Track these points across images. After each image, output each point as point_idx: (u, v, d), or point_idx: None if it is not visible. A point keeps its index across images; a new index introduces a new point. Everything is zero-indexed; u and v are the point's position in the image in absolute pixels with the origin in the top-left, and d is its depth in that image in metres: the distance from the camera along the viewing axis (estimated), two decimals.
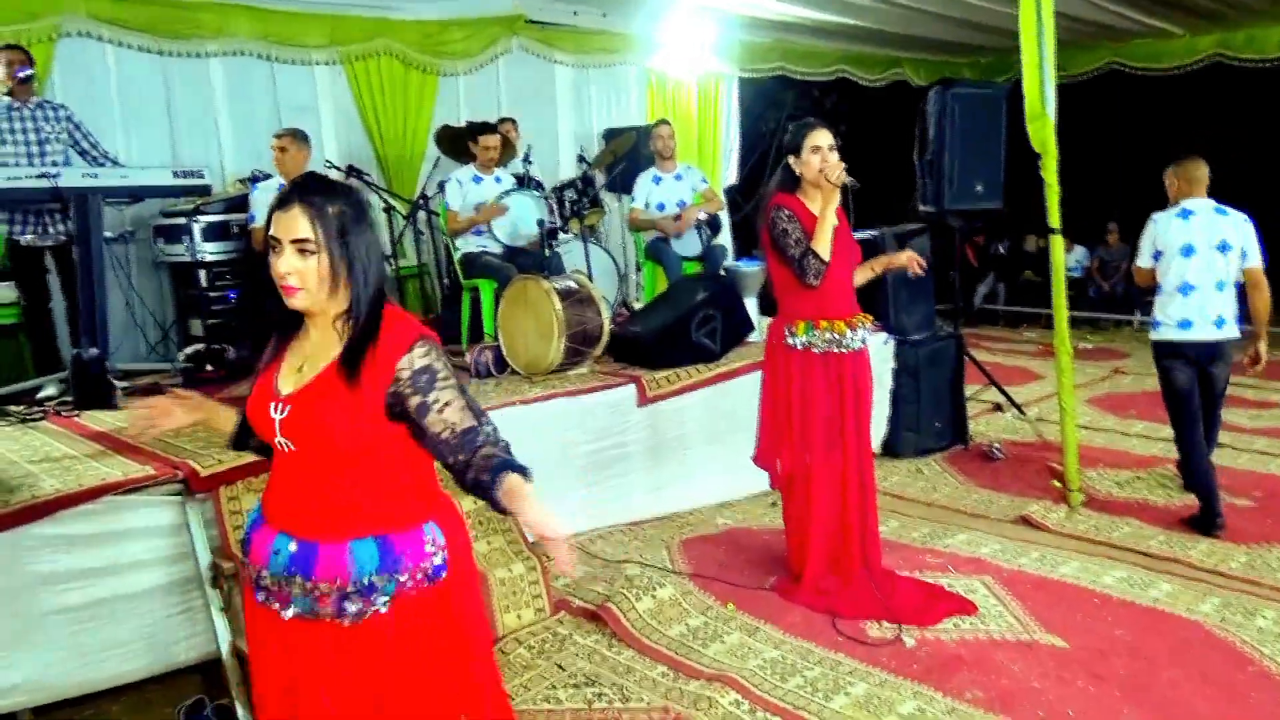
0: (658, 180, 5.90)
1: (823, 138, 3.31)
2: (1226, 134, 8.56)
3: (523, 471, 1.62)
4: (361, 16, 6.37)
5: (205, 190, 4.86)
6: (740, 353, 4.75)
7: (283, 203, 1.65)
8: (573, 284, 4.58)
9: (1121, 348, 8.55)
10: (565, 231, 5.91)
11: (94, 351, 4.29)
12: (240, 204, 5.29)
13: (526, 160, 6.25)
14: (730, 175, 8.86)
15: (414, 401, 1.66)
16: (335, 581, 1.65)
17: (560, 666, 3.13)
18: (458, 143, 5.76)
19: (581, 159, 6.92)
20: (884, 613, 3.35)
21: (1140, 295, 9.42)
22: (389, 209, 5.69)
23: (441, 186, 5.62)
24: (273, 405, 1.68)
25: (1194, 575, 3.65)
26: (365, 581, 1.65)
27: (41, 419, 4.06)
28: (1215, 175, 4.15)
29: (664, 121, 6.12)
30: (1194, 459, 4.15)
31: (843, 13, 7.45)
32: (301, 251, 1.63)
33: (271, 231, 1.65)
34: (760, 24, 7.83)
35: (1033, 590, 3.55)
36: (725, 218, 7.64)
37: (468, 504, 3.59)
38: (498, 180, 5.54)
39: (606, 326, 4.59)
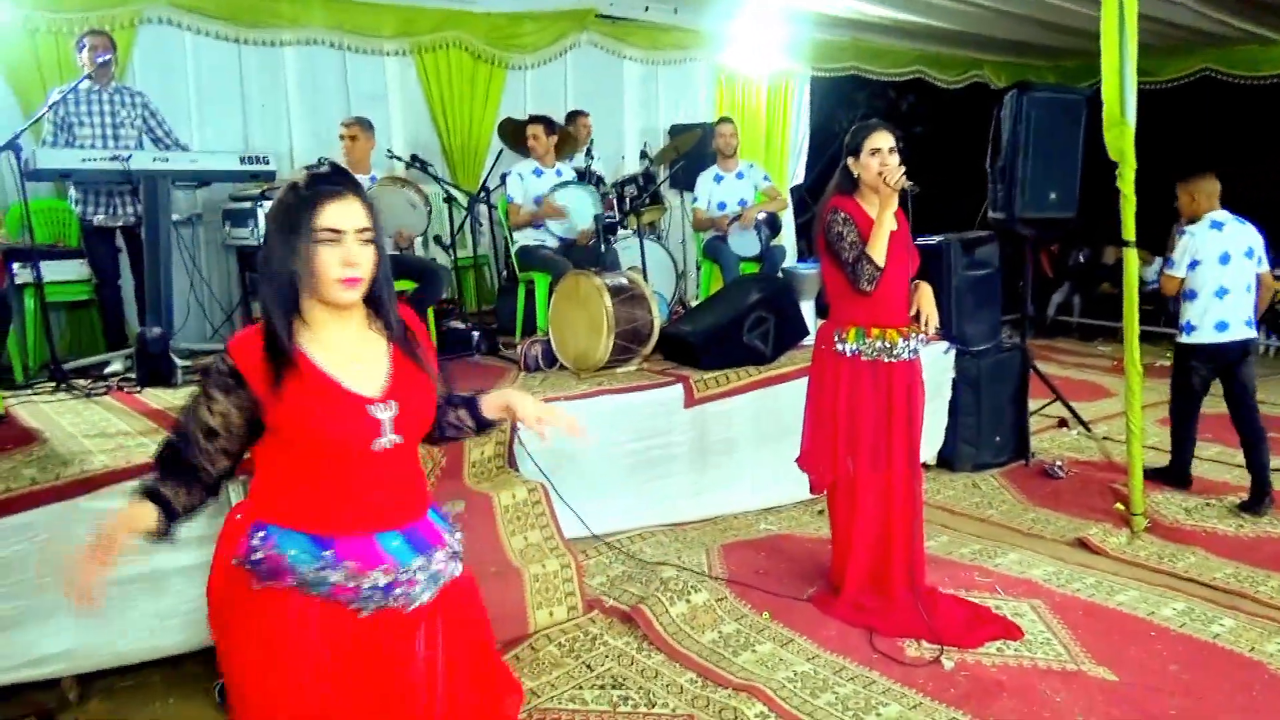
0: (719, 179, 5.84)
1: (883, 140, 3.21)
2: None
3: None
4: (434, 8, 6.43)
5: (270, 176, 4.95)
6: (792, 356, 4.65)
7: (335, 193, 1.62)
8: (625, 281, 4.55)
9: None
10: (623, 227, 5.88)
11: (158, 330, 4.42)
12: None
13: (589, 154, 6.25)
14: (798, 175, 8.72)
15: None
16: (444, 547, 1.75)
17: (589, 666, 3.11)
18: (520, 136, 5.78)
19: (644, 155, 6.88)
20: (924, 632, 3.25)
21: None
22: (449, 199, 5.73)
23: (503, 179, 5.66)
24: (372, 407, 1.64)
25: (1261, 612, 3.45)
26: (450, 541, 1.78)
27: (105, 394, 4.18)
28: None
29: (726, 119, 6.06)
30: (1189, 452, 4.80)
31: (921, 13, 7.26)
32: (365, 241, 1.63)
33: (327, 223, 1.60)
34: (834, 22, 7.68)
35: (1084, 618, 3.40)
36: (789, 218, 7.54)
37: (504, 499, 3.61)
38: (558, 174, 5.55)
39: (657, 325, 4.54)
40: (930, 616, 3.30)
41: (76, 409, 3.91)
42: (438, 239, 5.75)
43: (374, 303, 1.72)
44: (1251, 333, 4.55)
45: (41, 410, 3.87)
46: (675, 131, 7.37)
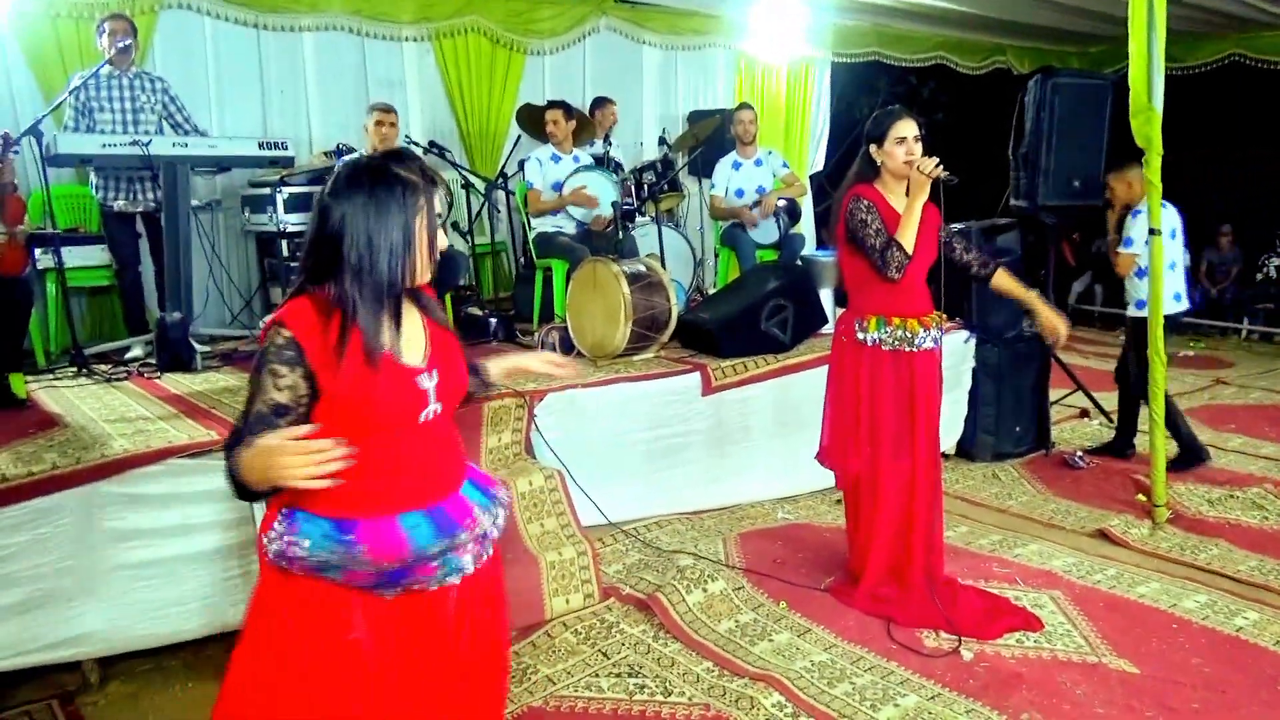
0: (737, 166, 5.79)
1: (908, 128, 3.15)
2: None
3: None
4: None
5: (289, 161, 4.96)
6: (811, 345, 4.62)
7: (438, 181, 1.70)
8: (643, 268, 4.53)
9: (1226, 357, 8.08)
10: (641, 214, 5.85)
11: (178, 315, 4.44)
12: (324, 176, 5.38)
13: (607, 141, 6.22)
14: (818, 162, 8.65)
15: None
16: (478, 523, 1.71)
17: (605, 654, 3.10)
18: (538, 122, 5.76)
19: (663, 141, 6.84)
20: (943, 623, 3.22)
21: (1250, 302, 8.94)
22: (467, 185, 5.72)
23: (521, 165, 5.64)
24: (421, 377, 1.65)
25: None
26: (488, 520, 1.73)
27: (125, 379, 4.21)
28: None
29: (746, 105, 6.00)
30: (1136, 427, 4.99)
31: None
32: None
33: (438, 209, 1.69)
34: (855, 7, 7.59)
35: (1105, 610, 3.37)
36: (808, 206, 7.49)
37: (522, 486, 3.61)
38: (576, 159, 5.53)
39: (675, 312, 4.52)
40: (949, 607, 3.27)
41: (97, 394, 3.93)
42: (455, 225, 5.75)
43: None
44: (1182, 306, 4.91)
45: (63, 395, 3.90)
46: (694, 118, 7.32)
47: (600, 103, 6.51)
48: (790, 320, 4.57)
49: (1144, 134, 4.02)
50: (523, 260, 6.08)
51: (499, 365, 2.05)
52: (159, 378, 4.22)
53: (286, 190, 5.09)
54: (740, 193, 5.76)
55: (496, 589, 1.84)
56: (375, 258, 1.59)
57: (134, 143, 4.38)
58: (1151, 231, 4.12)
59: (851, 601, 3.41)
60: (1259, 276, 9.12)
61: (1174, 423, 4.73)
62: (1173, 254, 4.67)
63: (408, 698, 1.72)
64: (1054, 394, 5.51)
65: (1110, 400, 6.05)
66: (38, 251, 4.55)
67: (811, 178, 8.16)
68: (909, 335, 3.25)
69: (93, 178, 4.80)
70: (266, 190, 5.22)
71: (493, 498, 1.79)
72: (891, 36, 8.45)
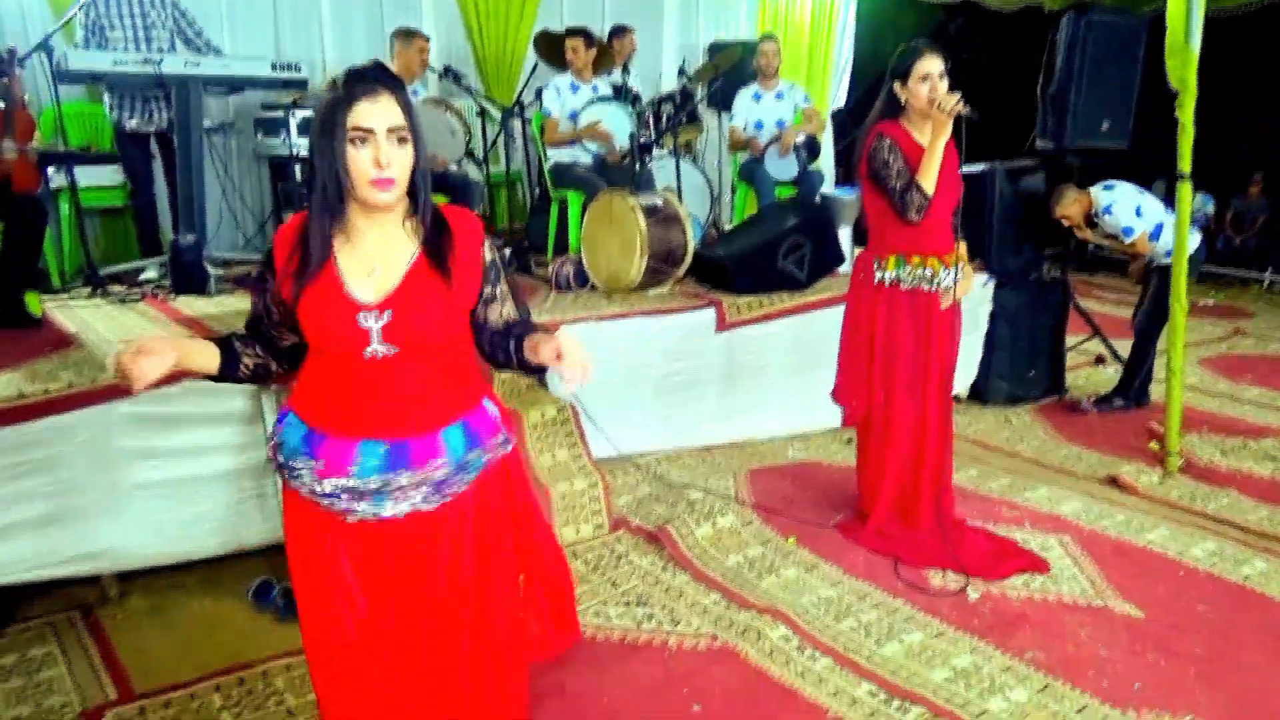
0: (758, 98, 5.67)
1: (933, 64, 3.07)
2: None
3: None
4: None
5: (303, 84, 4.87)
6: (828, 283, 4.58)
7: (368, 90, 1.57)
8: (659, 201, 4.47)
9: (1247, 307, 7.98)
10: (659, 147, 5.76)
11: (190, 238, 4.42)
12: None
13: (626, 71, 6.09)
14: (840, 97, 8.46)
15: (485, 292, 1.74)
16: (435, 469, 1.69)
17: (614, 584, 3.14)
18: (556, 50, 5.63)
19: (682, 72, 6.70)
20: (950, 562, 3.24)
21: (1274, 251, 8.80)
22: (482, 113, 5.63)
23: (538, 94, 5.53)
24: (363, 315, 1.60)
25: None
26: (457, 464, 1.72)
27: (139, 300, 4.21)
28: None
29: (769, 37, 5.85)
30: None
31: None
32: (400, 140, 1.59)
33: (358, 122, 1.56)
34: None
35: (1112, 554, 3.38)
36: (828, 143, 7.35)
37: (534, 417, 3.62)
38: (594, 89, 5.42)
39: (691, 247, 4.48)
40: (956, 547, 3.29)
41: (112, 314, 3.94)
42: (470, 154, 5.67)
43: (413, 202, 1.68)
44: None
45: (77, 314, 3.91)
46: (715, 49, 7.15)
47: (619, 31, 6.35)
48: (807, 258, 4.51)
49: (1179, 76, 3.91)
50: (538, 190, 6.01)
51: (534, 347, 1.70)
52: (173, 300, 4.22)
53: (299, 114, 5.01)
54: (760, 125, 5.65)
55: (499, 523, 1.83)
56: (313, 176, 1.63)
57: (146, 61, 4.31)
58: (1179, 176, 4.03)
59: (859, 539, 3.44)
60: None
61: (1142, 359, 4.91)
62: (1158, 217, 4.72)
63: (382, 621, 1.75)
64: (1070, 339, 5.46)
65: (1126, 347, 6.02)
66: (50, 171, 4.51)
67: (833, 114, 8.00)
68: (929, 274, 3.22)
69: (106, 97, 4.74)
70: (279, 113, 5.15)
71: (477, 445, 1.76)
72: None
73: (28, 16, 5.04)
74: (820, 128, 6.11)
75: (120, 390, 2.91)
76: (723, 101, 6.06)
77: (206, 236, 4.70)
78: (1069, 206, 4.89)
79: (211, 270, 4.45)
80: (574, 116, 5.31)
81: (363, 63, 1.71)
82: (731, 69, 6.13)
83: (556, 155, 5.41)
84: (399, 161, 1.58)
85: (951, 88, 3.05)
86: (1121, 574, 3.23)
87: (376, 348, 1.62)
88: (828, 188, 5.85)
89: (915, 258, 3.21)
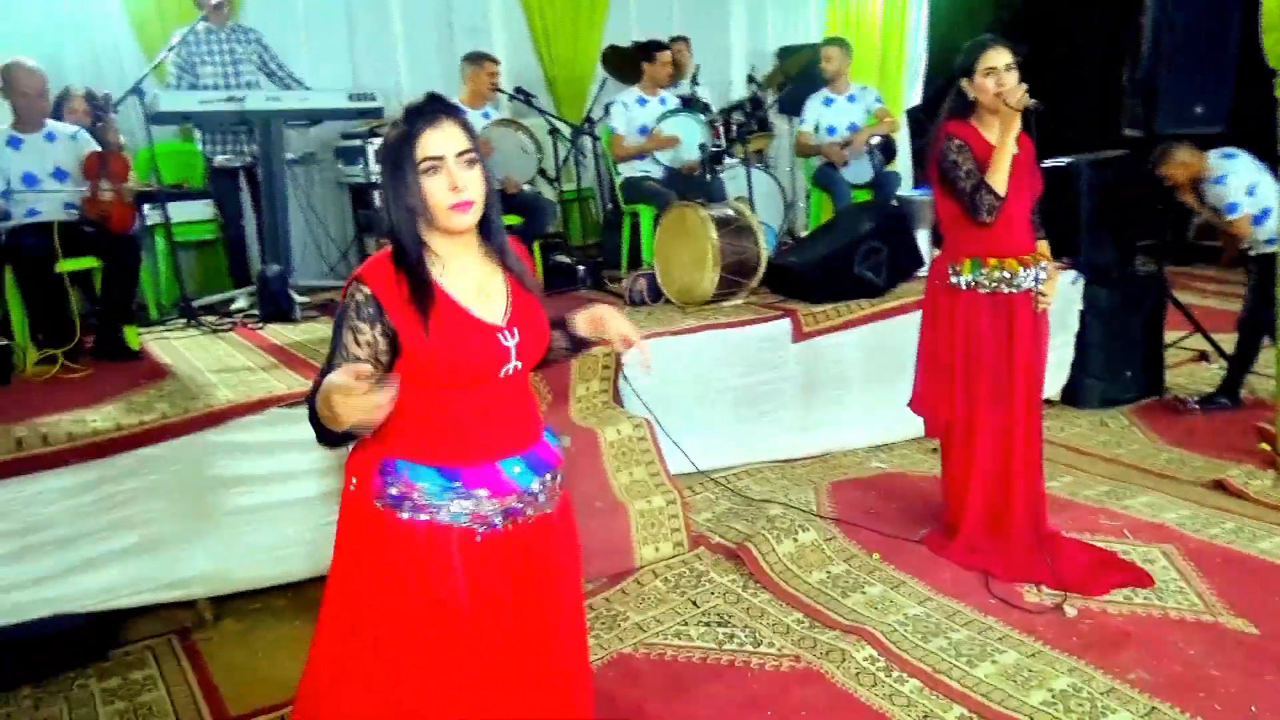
0: (829, 102, 5.58)
1: (998, 57, 2.97)
2: None
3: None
4: None
5: (378, 113, 4.99)
6: (907, 288, 4.47)
7: (430, 120, 1.60)
8: (731, 212, 4.43)
9: None
10: (730, 156, 5.72)
11: (277, 268, 4.57)
12: None
13: (694, 81, 6.07)
14: (914, 96, 8.28)
15: None
16: (559, 466, 1.78)
17: (694, 603, 3.11)
18: (624, 64, 5.65)
19: (751, 79, 6.64)
20: (1045, 577, 3.11)
21: None
22: (553, 131, 5.68)
23: (608, 109, 5.56)
24: (500, 335, 1.66)
25: None
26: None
27: (230, 330, 4.37)
28: None
29: (834, 41, 5.75)
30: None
31: None
32: (470, 162, 1.62)
33: (427, 152, 1.59)
34: None
35: (1222, 565, 3.20)
36: (903, 143, 7.19)
37: (610, 435, 3.61)
38: (662, 102, 5.42)
39: (764, 257, 4.42)
40: (1052, 561, 3.15)
41: (204, 344, 4.09)
42: (542, 172, 5.72)
43: (484, 229, 1.71)
44: None
45: (172, 345, 4.07)
46: (784, 54, 7.08)
47: (674, 41, 6.34)
48: (885, 263, 4.41)
49: (1277, 53, 3.70)
50: (610, 206, 6.03)
51: (583, 315, 1.89)
52: (261, 328, 4.37)
53: (377, 141, 5.13)
54: (832, 130, 5.56)
55: (571, 534, 1.88)
56: (390, 212, 1.63)
57: (230, 99, 4.48)
58: (1277, 159, 3.81)
59: (947, 554, 3.32)
60: None
61: (1245, 356, 4.67)
62: (1268, 201, 4.38)
63: (495, 635, 1.75)
64: (1170, 336, 5.21)
65: (1230, 343, 5.71)
66: (146, 208, 4.72)
67: (909, 112, 7.82)
68: (1008, 276, 3.10)
69: (198, 134, 4.95)
70: (357, 142, 5.29)
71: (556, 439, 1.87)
72: None
73: (123, 60, 5.29)
74: (894, 128, 5.98)
75: (210, 420, 3.05)
76: (793, 107, 5.98)
77: (292, 265, 4.86)
78: (1175, 167, 4.60)
79: (297, 298, 4.60)
80: (644, 131, 5.31)
81: (417, 97, 1.73)
82: (801, 73, 6.05)
83: (627, 170, 5.42)
84: (473, 183, 1.62)
85: (1025, 79, 2.94)
86: (1232, 586, 3.05)
87: (514, 364, 1.68)
88: (905, 189, 5.71)
89: (992, 260, 3.10)
